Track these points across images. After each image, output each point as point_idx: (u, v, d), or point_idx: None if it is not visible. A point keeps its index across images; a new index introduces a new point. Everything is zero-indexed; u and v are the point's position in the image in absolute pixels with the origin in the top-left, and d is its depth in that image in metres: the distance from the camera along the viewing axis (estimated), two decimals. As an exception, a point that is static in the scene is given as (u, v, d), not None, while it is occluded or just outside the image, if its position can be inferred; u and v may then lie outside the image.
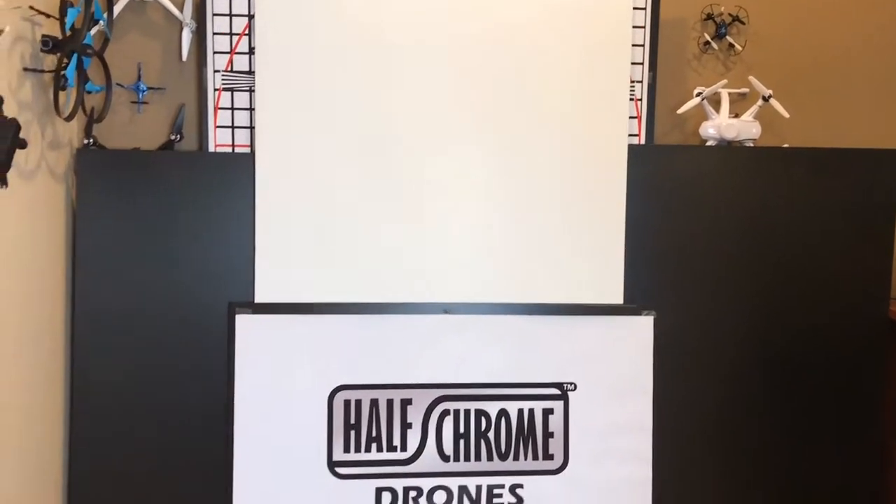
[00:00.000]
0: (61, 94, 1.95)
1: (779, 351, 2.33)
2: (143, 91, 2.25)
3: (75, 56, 1.91)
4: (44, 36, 1.92)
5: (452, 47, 2.20)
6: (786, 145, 2.36)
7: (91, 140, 2.19)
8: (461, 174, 2.24)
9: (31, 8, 1.91)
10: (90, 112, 2.13)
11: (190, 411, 2.20)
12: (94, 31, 2.07)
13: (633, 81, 2.29)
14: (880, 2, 2.43)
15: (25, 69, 1.90)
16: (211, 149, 2.23)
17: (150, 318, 2.18)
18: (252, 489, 2.18)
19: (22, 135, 1.76)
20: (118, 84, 2.22)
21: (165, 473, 2.19)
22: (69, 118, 1.95)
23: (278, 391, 2.20)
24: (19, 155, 1.83)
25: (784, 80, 2.40)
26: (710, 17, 2.37)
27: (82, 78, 1.98)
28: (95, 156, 2.18)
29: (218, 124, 2.22)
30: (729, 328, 2.32)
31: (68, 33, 1.91)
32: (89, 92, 2.07)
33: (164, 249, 2.18)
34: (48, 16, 1.94)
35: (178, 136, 2.25)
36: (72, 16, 1.89)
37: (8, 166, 1.76)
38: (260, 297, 2.20)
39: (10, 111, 1.76)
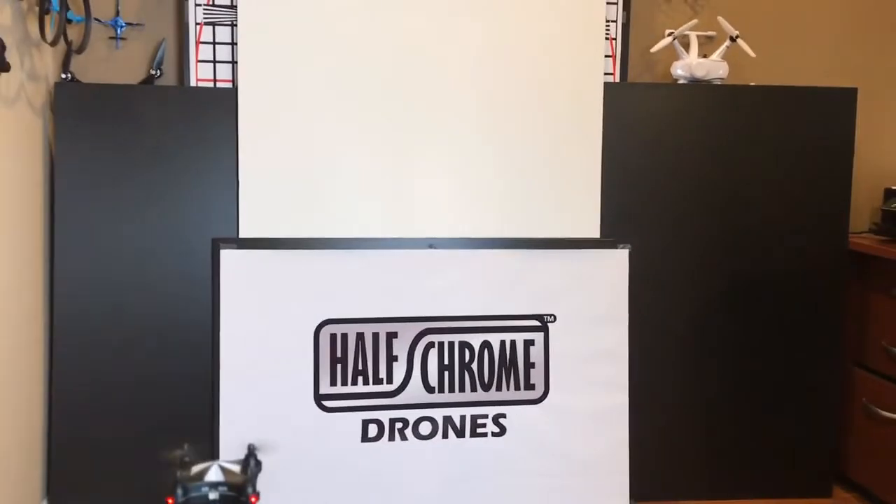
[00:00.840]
0: (45, 19, 1.93)
1: (744, 281, 2.43)
2: (122, 27, 2.22)
3: (59, -16, 1.89)
4: (24, -41, 1.90)
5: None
6: (752, 83, 2.46)
7: (69, 75, 2.16)
8: (443, 111, 2.27)
9: (12, -70, 1.89)
10: (69, 44, 2.10)
11: (174, 346, 2.19)
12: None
13: (608, 21, 2.35)
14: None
15: (6, -7, 1.88)
16: (192, 84, 2.21)
17: (131, 255, 2.16)
18: (239, 423, 2.18)
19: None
20: (96, 19, 2.19)
21: (149, 407, 2.18)
22: (54, 42, 1.92)
23: (264, 326, 2.21)
24: (0, 79, 1.80)
25: (750, 22, 2.50)
26: (678, -39, 2.46)
27: (64, 5, 1.96)
28: (73, 89, 2.15)
29: (200, 59, 2.21)
30: (699, 259, 2.41)
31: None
32: (70, 21, 2.04)
33: (145, 185, 2.16)
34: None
35: (158, 71, 2.23)
36: (55, -61, 1.86)
37: (-5, 86, 1.74)
38: (244, 232, 2.20)
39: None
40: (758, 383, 2.45)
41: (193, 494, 1.37)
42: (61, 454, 2.14)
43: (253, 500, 1.39)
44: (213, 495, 1.36)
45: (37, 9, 1.94)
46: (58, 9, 1.88)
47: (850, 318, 2.50)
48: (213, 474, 1.37)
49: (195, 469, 1.39)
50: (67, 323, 2.13)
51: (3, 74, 1.76)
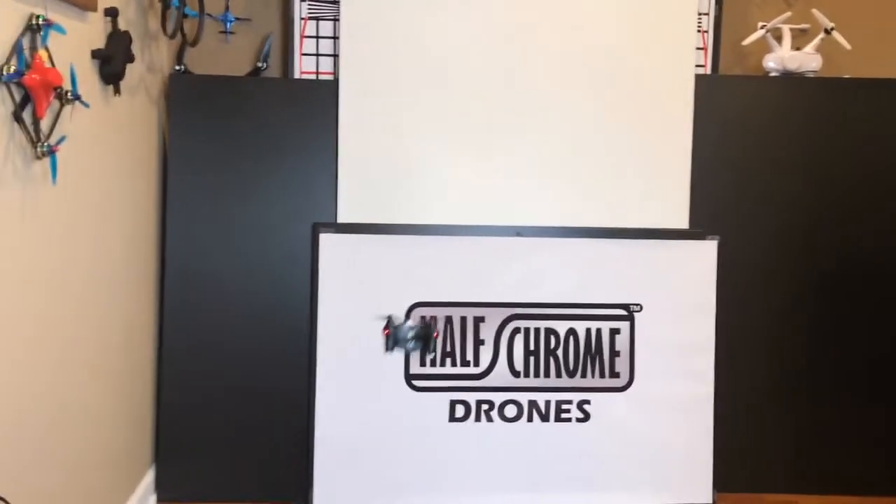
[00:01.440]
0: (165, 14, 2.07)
1: (835, 272, 2.41)
2: (231, 21, 2.35)
3: (178, -19, 2.02)
4: (147, -42, 2.04)
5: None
6: (847, 76, 2.44)
7: (182, 66, 2.30)
8: (532, 102, 2.33)
9: (138, -69, 2.03)
10: (184, 37, 2.24)
11: (275, 325, 2.31)
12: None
13: (699, 14, 2.37)
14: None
15: (131, -10, 2.02)
16: (296, 76, 2.33)
17: (237, 237, 2.29)
18: (333, 399, 2.29)
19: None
20: (208, 14, 2.33)
21: (250, 381, 2.31)
22: (173, 35, 2.06)
23: (359, 306, 2.30)
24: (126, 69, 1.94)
25: (844, 13, 2.47)
26: (773, -47, 2.45)
27: (182, 1, 2.09)
28: (186, 80, 2.29)
29: (303, 52, 2.33)
30: (790, 252, 2.41)
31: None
32: (185, 16, 2.18)
33: (251, 171, 2.29)
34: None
35: (265, 63, 2.36)
36: (176, -61, 2.00)
37: (122, 76, 1.88)
38: (342, 217, 2.31)
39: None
40: (847, 377, 2.43)
41: (398, 325, 2.24)
42: (169, 426, 2.29)
43: (435, 335, 2.26)
44: (411, 332, 2.24)
45: (158, 4, 2.08)
46: (177, 4, 2.02)
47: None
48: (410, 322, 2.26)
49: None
50: (177, 302, 2.28)
51: (128, 65, 1.90)
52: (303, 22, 2.32)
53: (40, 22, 1.43)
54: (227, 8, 2.36)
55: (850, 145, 2.38)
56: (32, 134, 1.43)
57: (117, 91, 1.88)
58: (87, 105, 1.59)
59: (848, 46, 2.39)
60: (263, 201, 2.30)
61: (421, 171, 2.32)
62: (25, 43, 1.40)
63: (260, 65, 2.36)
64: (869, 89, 2.37)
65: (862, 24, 2.49)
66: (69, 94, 1.53)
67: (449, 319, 2.34)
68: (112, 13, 1.84)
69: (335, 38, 2.32)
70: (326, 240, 2.30)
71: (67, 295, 1.66)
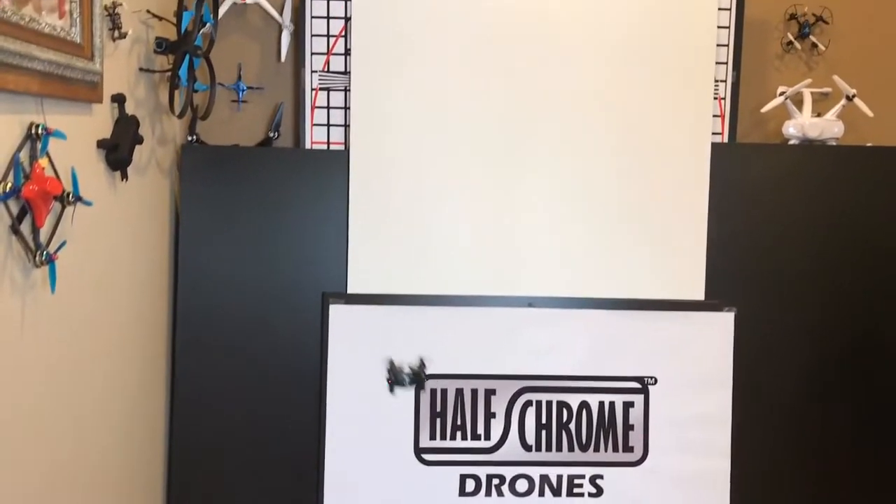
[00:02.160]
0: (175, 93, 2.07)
1: (858, 348, 2.34)
2: (243, 90, 2.36)
3: (187, 57, 2.02)
4: (157, 38, 2.05)
5: (543, 53, 2.27)
6: (869, 144, 2.38)
7: (194, 137, 2.31)
8: (545, 171, 2.30)
9: (148, 12, 2.04)
10: (194, 110, 2.25)
11: (284, 394, 2.30)
12: (201, 31, 2.18)
13: (716, 81, 2.33)
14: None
15: (141, 69, 2.03)
16: (307, 146, 2.33)
17: (248, 306, 2.29)
18: (342, 471, 2.27)
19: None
20: (220, 84, 2.33)
21: (258, 452, 2.30)
22: (181, 115, 2.07)
23: (368, 378, 2.29)
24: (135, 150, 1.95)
25: (868, 79, 2.41)
26: (793, 16, 2.40)
27: (192, 77, 2.10)
28: (198, 151, 2.30)
29: (314, 122, 2.32)
30: (809, 324, 2.35)
31: (182, 35, 2.02)
32: (196, 91, 2.18)
33: (263, 241, 2.29)
34: (161, 19, 2.07)
35: (276, 133, 2.36)
36: (185, 19, 2.00)
37: (129, 161, 1.89)
38: (352, 287, 2.29)
39: (126, 109, 1.88)
40: (868, 452, 2.36)
41: (397, 367, 2.27)
42: (180, 488, 2.29)
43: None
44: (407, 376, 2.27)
45: (167, 82, 2.09)
46: (186, 83, 2.02)
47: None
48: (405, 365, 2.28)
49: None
50: (188, 366, 2.28)
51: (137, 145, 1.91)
52: (314, 92, 2.31)
53: (40, 131, 1.43)
54: (239, 77, 2.36)
55: (873, 215, 2.32)
56: (31, 244, 1.43)
57: (125, 176, 1.89)
58: (89, 203, 1.59)
59: (870, 114, 2.33)
60: (275, 270, 2.29)
61: (432, 239, 2.30)
62: (24, 153, 1.41)
63: (271, 134, 2.36)
64: (892, 157, 2.31)
65: (886, 89, 2.43)
66: (70, 195, 1.53)
67: (460, 392, 2.32)
68: (119, 99, 1.85)
69: (346, 108, 2.31)
70: (336, 310, 2.29)
71: (73, 408, 1.66)
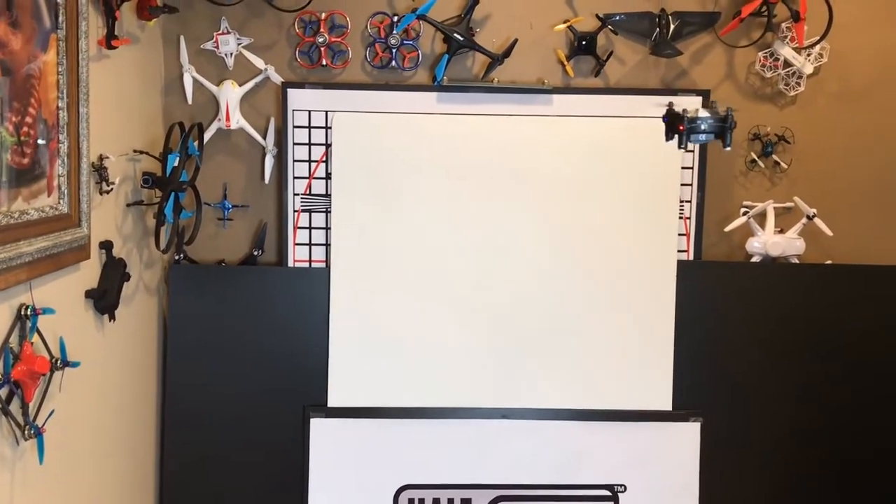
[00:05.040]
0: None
1: (825, 453, 2.43)
2: (229, 209, 2.46)
3: (173, 195, 2.12)
4: (145, 174, 2.14)
5: (516, 185, 2.38)
6: (829, 262, 2.48)
7: (181, 255, 2.41)
8: (518, 283, 2.40)
9: (135, 151, 2.14)
10: (181, 232, 2.35)
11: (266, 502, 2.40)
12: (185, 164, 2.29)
13: (682, 201, 2.43)
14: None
15: (128, 205, 2.13)
16: (290, 263, 2.43)
17: (233, 418, 2.38)
18: (323, 580, 2.36)
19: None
20: (206, 203, 2.44)
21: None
22: (166, 251, 2.17)
23: (348, 489, 2.38)
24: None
25: (829, 196, 2.51)
26: (757, 136, 2.49)
27: (177, 209, 2.19)
28: (186, 270, 2.40)
29: (297, 242, 2.42)
30: (773, 432, 2.43)
31: (168, 175, 2.12)
32: (182, 219, 2.28)
33: (246, 354, 2.38)
34: (149, 154, 2.17)
35: (260, 250, 2.45)
36: (171, 161, 2.10)
37: (117, 305, 1.98)
38: (333, 401, 2.38)
39: (115, 244, 1.99)
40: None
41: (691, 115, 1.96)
42: None
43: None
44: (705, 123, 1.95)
45: (154, 213, 2.19)
46: (171, 220, 2.12)
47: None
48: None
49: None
50: (175, 477, 2.37)
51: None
52: (296, 214, 2.42)
53: (29, 312, 1.53)
54: (224, 196, 2.46)
55: (833, 328, 2.41)
56: (20, 420, 1.52)
57: (112, 318, 1.98)
58: (76, 365, 1.68)
59: (829, 233, 2.43)
60: (259, 384, 2.39)
61: (409, 354, 2.40)
62: (15, 335, 1.51)
63: (255, 252, 2.45)
64: (851, 274, 2.41)
65: (846, 208, 2.52)
66: (59, 362, 1.63)
67: (437, 501, 2.41)
68: (106, 246, 1.95)
69: (327, 228, 2.41)
70: (317, 424, 2.38)
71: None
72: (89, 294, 1.87)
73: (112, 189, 1.93)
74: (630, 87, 2.45)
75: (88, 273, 1.88)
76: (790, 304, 2.42)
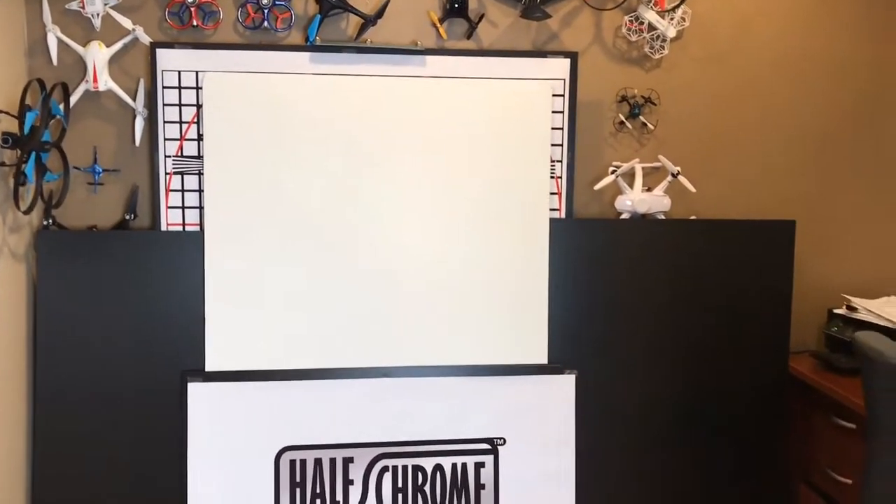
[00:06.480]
0: (21, 189, 2.11)
1: (689, 405, 2.55)
2: (99, 173, 2.41)
3: (34, 154, 2.07)
4: (4, 133, 2.08)
5: (386, 142, 2.40)
6: (692, 217, 2.59)
7: (50, 220, 2.35)
8: (395, 247, 2.43)
9: (-7, 108, 2.08)
10: (48, 197, 2.29)
11: (144, 472, 2.36)
12: (51, 122, 2.23)
13: (553, 161, 2.50)
14: (772, 87, 2.67)
15: (-13, 165, 2.07)
16: (163, 227, 2.39)
17: (108, 387, 2.34)
18: (204, 545, 2.34)
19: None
20: (75, 167, 2.38)
21: (122, 532, 2.35)
22: (27, 212, 2.11)
23: (228, 453, 2.37)
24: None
25: (692, 155, 2.63)
26: (624, 98, 2.59)
27: (41, 171, 2.14)
28: (54, 236, 2.34)
29: (169, 205, 2.39)
30: (643, 384, 2.53)
31: (27, 133, 2.07)
32: (47, 181, 2.23)
33: (121, 321, 2.34)
34: (6, 112, 2.11)
35: (133, 215, 2.41)
36: (30, 119, 2.04)
37: (-28, 262, 1.92)
38: (210, 365, 2.36)
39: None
40: (712, 497, 2.56)
41: None
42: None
43: None
44: None
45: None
46: (33, 181, 2.07)
47: (796, 437, 2.60)
48: None
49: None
50: (46, 446, 2.31)
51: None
52: (168, 176, 2.38)
53: None
54: (95, 160, 2.41)
55: (699, 281, 2.52)
56: None
57: (-32, 277, 1.93)
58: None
59: (693, 189, 2.54)
60: (135, 350, 2.35)
61: (288, 316, 2.39)
62: None
63: (128, 217, 2.41)
64: (713, 229, 2.52)
65: (707, 166, 2.64)
66: None
67: (318, 461, 2.41)
68: (-40, 203, 1.89)
69: (200, 191, 2.39)
70: (195, 388, 2.36)
71: None
72: (-61, 251, 1.81)
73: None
74: (502, 50, 2.51)
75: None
76: (658, 259, 2.52)
